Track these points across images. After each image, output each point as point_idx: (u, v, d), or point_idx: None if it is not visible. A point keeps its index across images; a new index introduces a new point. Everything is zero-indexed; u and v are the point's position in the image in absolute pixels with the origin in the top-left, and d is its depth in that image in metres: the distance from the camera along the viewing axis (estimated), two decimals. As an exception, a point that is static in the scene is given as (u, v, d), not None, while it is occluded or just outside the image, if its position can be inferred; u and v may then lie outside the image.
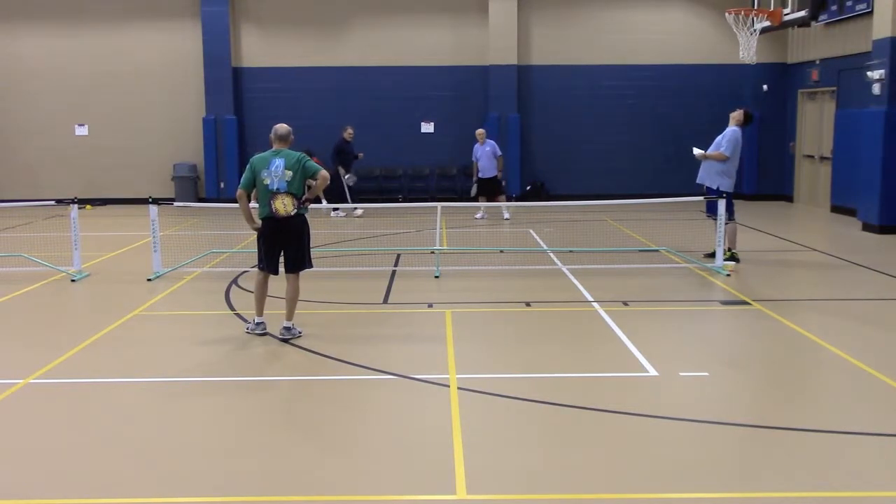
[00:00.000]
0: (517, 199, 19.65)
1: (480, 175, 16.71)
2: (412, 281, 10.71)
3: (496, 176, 16.65)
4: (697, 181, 11.72)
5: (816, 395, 6.57)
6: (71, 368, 7.12)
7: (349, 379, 6.82)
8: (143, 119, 20.39)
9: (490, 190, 16.74)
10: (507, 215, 16.77)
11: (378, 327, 8.49)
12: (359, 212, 17.26)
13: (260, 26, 20.24)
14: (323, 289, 9.92)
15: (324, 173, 7.83)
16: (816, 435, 5.57)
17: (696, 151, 11.63)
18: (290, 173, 7.67)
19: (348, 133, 17.51)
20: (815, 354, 7.49)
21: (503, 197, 16.93)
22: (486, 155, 16.61)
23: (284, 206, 7.67)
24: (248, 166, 7.91)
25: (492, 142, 16.82)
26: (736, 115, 11.57)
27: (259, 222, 7.87)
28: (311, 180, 7.83)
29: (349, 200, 16.98)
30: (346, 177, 17.32)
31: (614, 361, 7.22)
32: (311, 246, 8.08)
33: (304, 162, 7.77)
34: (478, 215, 16.87)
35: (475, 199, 16.79)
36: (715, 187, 11.33)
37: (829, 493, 4.69)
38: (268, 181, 7.70)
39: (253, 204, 7.94)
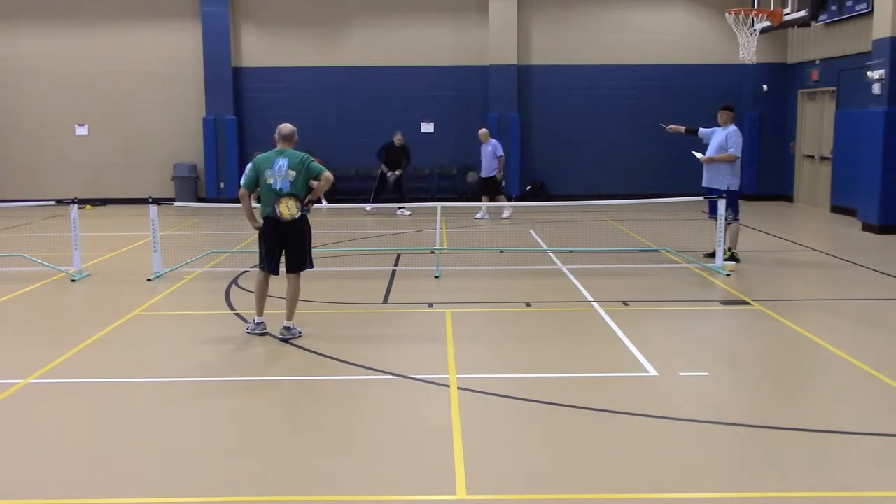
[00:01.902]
0: (517, 199, 19.65)
1: (482, 174, 16.84)
2: (412, 281, 10.71)
3: (494, 176, 16.70)
4: (704, 184, 11.62)
5: (816, 395, 6.57)
6: (71, 368, 7.12)
7: (349, 379, 6.82)
8: (143, 119, 20.39)
9: (488, 189, 16.83)
10: (505, 214, 16.78)
11: (378, 327, 8.49)
12: (367, 207, 17.19)
13: (260, 26, 20.23)
14: (323, 289, 9.92)
15: (327, 174, 7.83)
16: (816, 435, 5.57)
17: (699, 156, 11.57)
18: (293, 173, 7.68)
19: (397, 139, 17.67)
20: (815, 354, 7.49)
21: (502, 197, 16.97)
22: (487, 155, 16.72)
23: (289, 209, 7.66)
24: (251, 165, 7.92)
25: (494, 141, 16.89)
26: (729, 115, 11.43)
27: (261, 221, 7.88)
28: (314, 181, 7.83)
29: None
30: (390, 174, 17.66)
31: (614, 361, 7.22)
32: (311, 246, 8.09)
33: (307, 162, 7.77)
34: (478, 215, 16.88)
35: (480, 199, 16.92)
36: (725, 188, 11.30)
37: (829, 493, 4.69)
38: (271, 181, 7.70)
39: (255, 203, 7.95)
